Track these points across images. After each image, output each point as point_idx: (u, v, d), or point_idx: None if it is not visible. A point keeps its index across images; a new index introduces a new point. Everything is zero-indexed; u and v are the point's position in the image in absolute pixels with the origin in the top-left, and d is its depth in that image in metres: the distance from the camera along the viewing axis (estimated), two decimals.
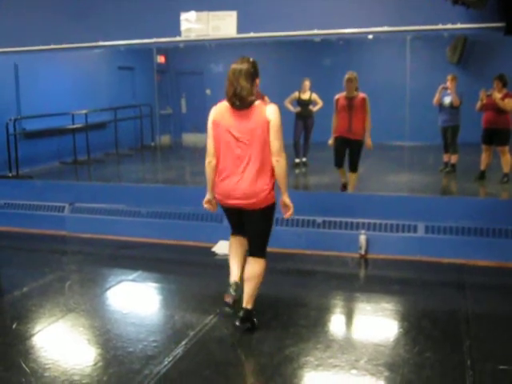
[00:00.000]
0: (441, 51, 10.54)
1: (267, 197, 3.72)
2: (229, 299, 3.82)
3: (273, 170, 3.72)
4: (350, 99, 6.68)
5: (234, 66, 3.67)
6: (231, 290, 3.85)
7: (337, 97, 6.82)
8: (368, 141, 6.71)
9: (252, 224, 3.86)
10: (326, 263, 5.48)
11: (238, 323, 3.84)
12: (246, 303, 3.84)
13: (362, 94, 6.69)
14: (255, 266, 3.85)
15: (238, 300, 3.87)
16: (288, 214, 3.83)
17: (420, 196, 6.14)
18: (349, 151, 6.81)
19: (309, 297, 4.60)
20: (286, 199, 3.79)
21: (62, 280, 5.07)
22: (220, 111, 3.76)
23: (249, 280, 3.84)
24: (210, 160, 3.83)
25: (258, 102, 3.69)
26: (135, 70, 11.61)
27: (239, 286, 3.89)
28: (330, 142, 6.97)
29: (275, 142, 3.64)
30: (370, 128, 6.69)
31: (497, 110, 7.62)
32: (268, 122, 3.63)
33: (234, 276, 3.94)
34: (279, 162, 3.67)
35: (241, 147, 3.67)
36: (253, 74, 3.66)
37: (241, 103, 3.64)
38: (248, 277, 3.85)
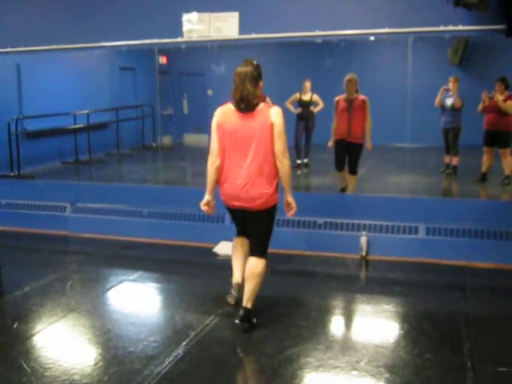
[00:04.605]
0: (442, 53, 10.54)
1: (271, 198, 3.79)
2: (231, 300, 3.88)
3: (277, 172, 3.77)
4: (349, 101, 6.67)
5: (239, 69, 3.72)
6: (233, 291, 3.95)
7: (337, 98, 6.82)
8: (368, 143, 6.71)
9: (254, 225, 3.91)
10: (327, 264, 5.48)
11: (237, 321, 3.85)
12: (246, 302, 3.84)
13: (361, 96, 6.67)
14: (255, 266, 3.86)
15: (240, 300, 3.91)
16: (291, 214, 3.90)
17: (421, 198, 6.14)
18: (348, 154, 6.81)
19: (309, 298, 4.60)
20: (290, 199, 3.86)
21: (63, 280, 5.08)
22: (225, 113, 3.80)
23: (249, 279, 3.86)
24: (213, 160, 3.86)
25: (262, 105, 3.74)
26: (137, 70, 11.63)
27: (241, 287, 3.94)
28: (330, 143, 6.98)
29: (279, 145, 3.69)
30: (370, 130, 6.69)
31: (499, 113, 7.62)
32: (272, 125, 3.67)
33: (237, 277, 4.03)
34: (283, 164, 3.73)
35: (245, 149, 3.71)
36: (257, 76, 3.71)
37: (246, 106, 3.70)
38: (248, 275, 3.86)
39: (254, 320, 3.92)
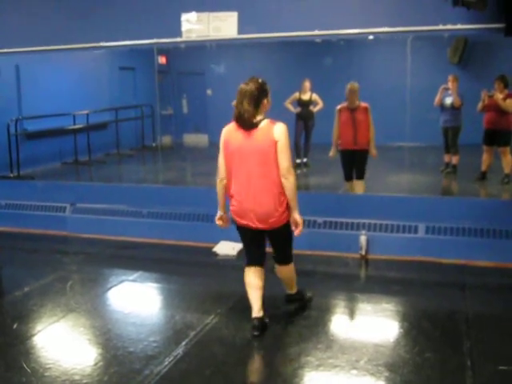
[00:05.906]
0: (442, 52, 10.53)
1: (282, 217, 3.76)
2: (256, 333, 3.78)
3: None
4: (352, 110, 6.53)
5: (241, 86, 3.69)
6: (255, 331, 3.79)
7: (339, 107, 6.65)
8: (373, 150, 6.60)
9: (274, 240, 3.95)
10: (327, 263, 5.48)
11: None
12: (290, 290, 4.22)
13: (363, 104, 6.54)
14: (286, 270, 4.10)
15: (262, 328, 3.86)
16: (297, 232, 3.80)
17: (421, 197, 6.13)
18: (355, 161, 6.72)
19: None
20: (297, 216, 3.76)
21: (63, 280, 5.08)
22: (230, 131, 3.79)
23: (284, 280, 4.19)
24: (221, 178, 3.88)
25: (265, 122, 3.69)
26: (136, 70, 11.62)
27: (263, 323, 3.85)
28: (331, 153, 6.82)
29: (283, 162, 3.65)
30: (374, 137, 6.57)
31: (498, 111, 7.61)
32: (276, 143, 3.64)
33: (256, 311, 3.85)
34: (288, 181, 3.68)
35: (249, 168, 3.69)
36: (257, 95, 3.65)
37: (244, 125, 3.68)
38: (283, 279, 4.17)
39: (309, 294, 4.37)
